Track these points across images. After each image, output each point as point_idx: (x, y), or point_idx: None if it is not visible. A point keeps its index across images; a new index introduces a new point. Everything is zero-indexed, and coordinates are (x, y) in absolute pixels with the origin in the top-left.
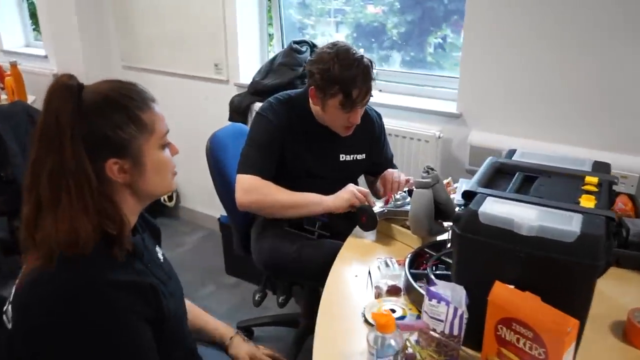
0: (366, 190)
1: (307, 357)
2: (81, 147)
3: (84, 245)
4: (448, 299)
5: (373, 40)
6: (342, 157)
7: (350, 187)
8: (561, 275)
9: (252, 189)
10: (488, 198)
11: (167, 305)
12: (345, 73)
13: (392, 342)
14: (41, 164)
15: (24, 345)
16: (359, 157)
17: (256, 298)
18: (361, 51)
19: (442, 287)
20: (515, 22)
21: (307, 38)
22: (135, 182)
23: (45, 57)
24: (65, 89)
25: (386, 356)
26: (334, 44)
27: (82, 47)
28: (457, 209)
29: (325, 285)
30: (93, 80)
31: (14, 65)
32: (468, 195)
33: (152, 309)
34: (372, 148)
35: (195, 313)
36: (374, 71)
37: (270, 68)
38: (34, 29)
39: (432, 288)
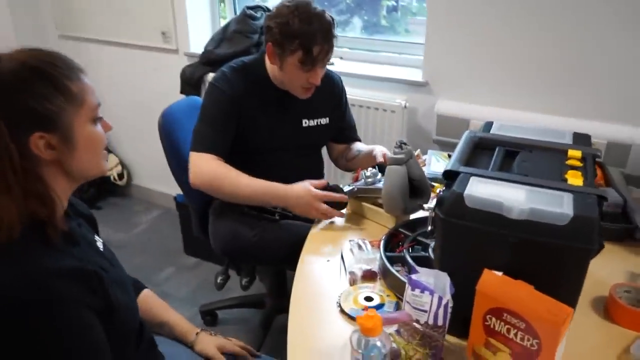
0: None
1: (275, 338)
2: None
3: (9, 230)
4: (432, 288)
5: (326, 3)
6: (305, 123)
7: (307, 194)
8: (553, 260)
9: (207, 170)
10: (472, 178)
11: (114, 294)
12: (306, 27)
13: (378, 343)
14: None
15: None
16: (323, 121)
17: (218, 281)
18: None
19: (425, 275)
20: None
21: (260, 2)
22: (66, 159)
23: None
24: None
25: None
26: None
27: (11, 16)
28: (437, 188)
29: (296, 274)
30: None
31: None
32: (450, 175)
33: (98, 298)
34: (334, 112)
35: (156, 306)
36: (335, 30)
37: (223, 36)
38: None
39: (414, 276)
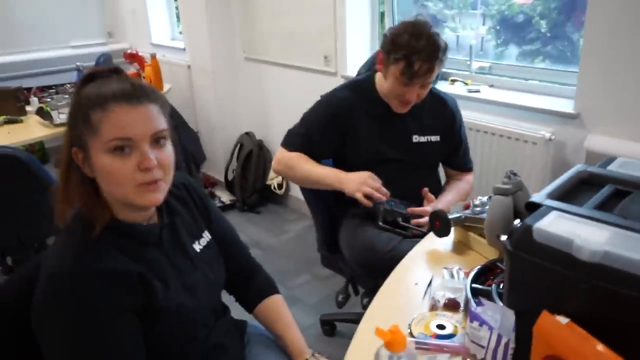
0: (378, 183)
1: None
2: (67, 131)
3: (65, 221)
4: (491, 324)
5: (521, 35)
6: (415, 138)
7: (365, 174)
8: (628, 316)
9: (287, 158)
10: (553, 212)
11: (164, 295)
12: (413, 42)
13: None
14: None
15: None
16: (433, 138)
17: (339, 299)
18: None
19: (491, 309)
20: None
21: None
22: (97, 178)
23: (184, 49)
24: (85, 77)
25: None
26: (416, 16)
27: (209, 41)
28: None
29: (379, 291)
30: (219, 70)
31: (153, 56)
32: (532, 207)
33: (136, 298)
34: (446, 132)
35: (282, 317)
36: (445, 56)
37: (374, 60)
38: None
39: (476, 308)
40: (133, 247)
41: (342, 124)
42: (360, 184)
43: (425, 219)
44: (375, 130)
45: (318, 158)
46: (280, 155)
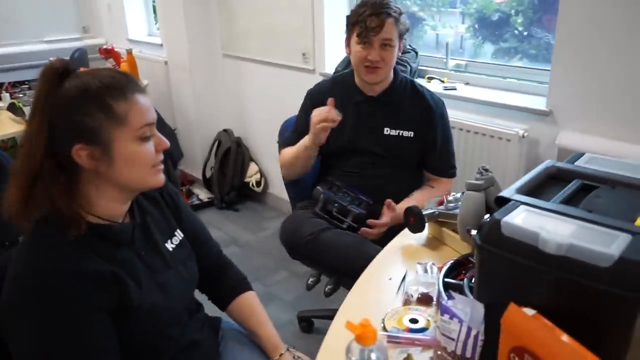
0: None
1: None
2: (44, 129)
3: (76, 229)
4: (461, 317)
5: (497, 33)
6: (387, 131)
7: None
8: (592, 307)
9: (280, 160)
10: (521, 207)
11: (136, 294)
12: (361, 8)
13: (373, 356)
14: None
15: None
16: (405, 133)
17: (309, 282)
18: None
19: (461, 302)
20: (615, 9)
21: None
22: (106, 170)
23: (161, 45)
24: (50, 72)
25: None
26: None
27: (187, 37)
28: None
29: (354, 286)
30: (197, 66)
31: (129, 52)
32: (501, 202)
33: (109, 297)
34: (421, 128)
35: (256, 314)
36: (402, 20)
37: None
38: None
39: (446, 302)
40: (105, 248)
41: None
42: (313, 124)
43: (375, 230)
44: (349, 118)
45: None
46: (279, 158)
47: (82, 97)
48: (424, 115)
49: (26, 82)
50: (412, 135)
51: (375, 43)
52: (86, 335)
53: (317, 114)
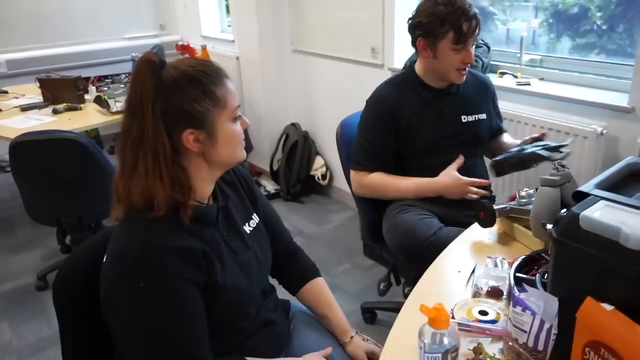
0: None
1: None
2: (159, 119)
3: (158, 208)
4: (533, 309)
5: (575, 26)
6: (464, 119)
7: (453, 178)
8: None
9: (367, 184)
10: (601, 201)
11: (221, 273)
12: (451, 9)
13: (445, 340)
14: (127, 131)
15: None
16: (481, 116)
17: (381, 287)
18: None
19: (534, 296)
20: None
21: None
22: (209, 151)
23: (233, 41)
24: (148, 65)
25: (433, 352)
26: None
27: (258, 33)
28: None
29: (422, 277)
30: (267, 61)
31: (204, 48)
32: (580, 197)
33: (201, 274)
34: (490, 108)
35: (324, 298)
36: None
37: None
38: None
39: (519, 294)
40: (195, 227)
41: (391, 121)
42: (462, 192)
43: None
44: (425, 118)
45: (389, 164)
46: (358, 180)
47: (189, 85)
48: (489, 95)
49: (109, 77)
50: (485, 117)
51: (468, 45)
52: (181, 305)
53: (471, 185)
